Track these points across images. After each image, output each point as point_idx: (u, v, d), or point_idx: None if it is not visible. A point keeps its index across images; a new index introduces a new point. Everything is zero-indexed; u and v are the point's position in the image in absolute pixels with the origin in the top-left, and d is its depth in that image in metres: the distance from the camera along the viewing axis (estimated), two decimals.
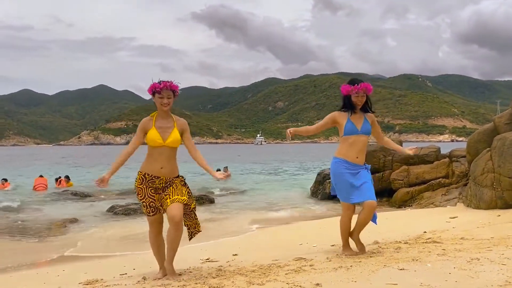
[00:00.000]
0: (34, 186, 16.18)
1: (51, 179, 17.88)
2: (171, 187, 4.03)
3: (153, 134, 3.98)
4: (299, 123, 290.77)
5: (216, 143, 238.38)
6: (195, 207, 4.18)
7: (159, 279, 4.02)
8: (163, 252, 4.17)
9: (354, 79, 4.67)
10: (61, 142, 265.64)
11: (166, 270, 4.06)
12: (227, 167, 21.49)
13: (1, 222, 9.36)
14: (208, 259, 4.98)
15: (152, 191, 4.00)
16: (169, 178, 4.03)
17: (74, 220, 9.40)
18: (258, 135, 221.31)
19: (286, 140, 4.61)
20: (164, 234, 4.16)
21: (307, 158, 47.57)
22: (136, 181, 4.06)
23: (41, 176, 17.10)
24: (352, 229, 4.80)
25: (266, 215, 10.20)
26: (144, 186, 4.00)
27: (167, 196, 3.98)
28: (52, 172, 22.77)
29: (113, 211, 10.51)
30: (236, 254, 5.19)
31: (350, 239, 4.82)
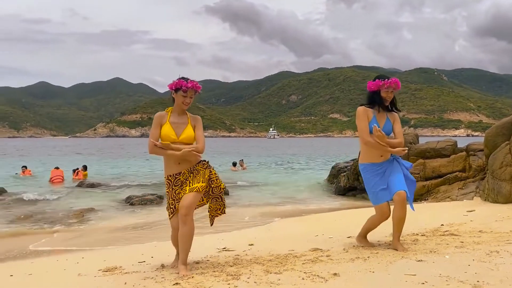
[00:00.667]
0: (51, 178, 16.24)
1: (68, 170, 18.06)
2: (192, 174, 3.99)
3: (167, 129, 3.94)
4: (312, 117, 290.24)
5: (229, 136, 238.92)
6: (223, 189, 4.12)
7: (177, 266, 4.04)
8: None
9: (382, 75, 4.54)
10: (77, 134, 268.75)
11: (179, 270, 3.85)
12: (242, 160, 21.57)
13: (20, 211, 9.53)
14: (224, 248, 5.02)
15: (176, 191, 3.96)
16: (190, 168, 3.98)
17: (91, 210, 9.54)
18: (271, 128, 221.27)
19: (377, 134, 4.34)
20: None
21: (321, 152, 47.44)
22: (165, 185, 4.06)
23: (57, 168, 17.12)
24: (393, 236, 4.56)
25: (281, 207, 10.21)
26: (170, 189, 3.99)
27: (187, 183, 3.95)
28: (72, 164, 22.97)
29: (130, 201, 10.62)
30: (252, 244, 5.21)
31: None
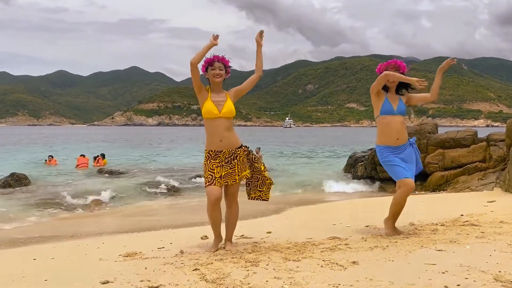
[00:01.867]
0: (77, 165, 16.89)
1: (89, 158, 18.43)
2: (236, 160, 4.24)
3: (209, 105, 4.16)
4: (329, 106, 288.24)
5: (245, 125, 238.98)
6: (261, 172, 4.44)
7: (213, 252, 4.20)
8: (219, 225, 4.35)
9: (391, 60, 4.72)
10: (95, 123, 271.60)
11: (227, 247, 4.30)
12: (259, 148, 21.51)
13: (41, 197, 9.71)
14: (243, 235, 5.04)
15: (213, 165, 4.18)
16: (232, 150, 4.22)
17: (111, 196, 9.67)
18: (287, 118, 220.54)
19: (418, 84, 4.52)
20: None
21: (338, 141, 47.20)
22: (204, 159, 4.30)
23: (83, 155, 17.76)
24: (388, 216, 4.71)
25: (297, 196, 10.22)
26: (208, 162, 4.20)
27: (233, 170, 4.21)
28: (93, 151, 23.32)
29: (149, 187, 10.75)
30: (270, 232, 5.23)
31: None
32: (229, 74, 4.35)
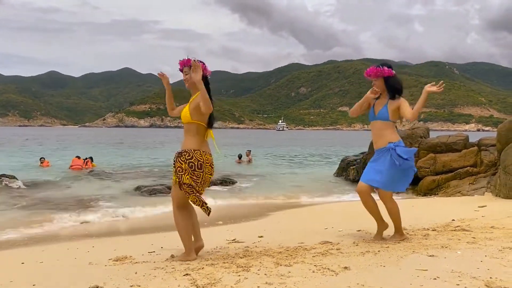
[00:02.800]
0: (71, 166, 16.85)
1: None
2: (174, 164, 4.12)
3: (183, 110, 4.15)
4: (321, 110, 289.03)
5: (238, 128, 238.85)
6: (186, 183, 3.92)
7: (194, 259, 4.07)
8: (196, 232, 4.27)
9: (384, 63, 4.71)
10: (86, 124, 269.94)
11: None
12: (250, 150, 21.45)
13: (30, 199, 9.61)
14: (234, 239, 5.02)
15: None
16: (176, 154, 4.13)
17: (101, 199, 9.59)
18: (280, 121, 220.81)
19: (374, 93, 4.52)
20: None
21: (330, 144, 47.29)
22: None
23: (77, 157, 17.75)
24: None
25: (289, 200, 10.20)
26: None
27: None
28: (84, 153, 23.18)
29: (139, 191, 10.67)
30: (261, 236, 5.21)
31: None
32: (209, 73, 4.14)
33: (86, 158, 18.05)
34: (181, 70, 4.20)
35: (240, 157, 20.47)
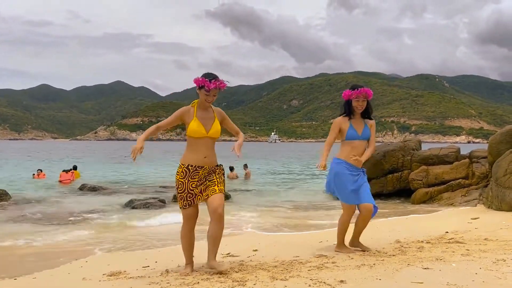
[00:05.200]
0: (60, 180, 16.72)
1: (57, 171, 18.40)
2: (214, 175, 4.07)
3: (196, 125, 4.01)
4: (313, 122, 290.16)
5: (230, 140, 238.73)
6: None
7: (187, 275, 4.00)
8: (193, 248, 4.19)
9: (355, 85, 4.76)
10: (78, 137, 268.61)
11: (213, 265, 3.99)
12: (246, 164, 21.28)
13: (21, 214, 9.50)
14: (229, 253, 5.00)
15: (193, 185, 4.01)
16: (212, 167, 4.08)
17: (93, 213, 9.51)
18: (272, 133, 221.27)
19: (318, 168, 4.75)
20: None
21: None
22: (177, 174, 4.06)
23: (64, 171, 17.68)
24: (352, 237, 4.91)
25: (283, 213, 10.17)
26: (186, 180, 4.01)
27: (213, 183, 4.02)
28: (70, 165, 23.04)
29: (132, 205, 10.59)
30: (256, 250, 5.19)
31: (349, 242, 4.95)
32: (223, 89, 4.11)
33: (71, 169, 18.07)
34: (206, 91, 3.95)
35: (231, 169, 18.36)
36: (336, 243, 4.98)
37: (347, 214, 4.81)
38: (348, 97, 4.71)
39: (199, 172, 4.02)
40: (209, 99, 4.03)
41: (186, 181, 4.00)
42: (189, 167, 4.02)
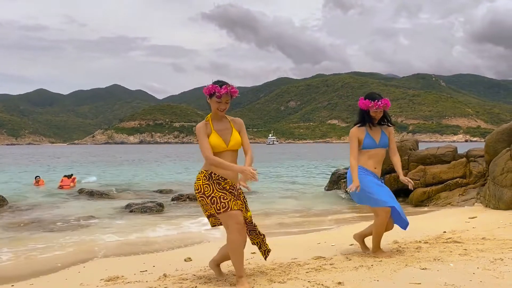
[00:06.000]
0: (61, 185, 16.75)
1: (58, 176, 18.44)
2: (241, 196, 3.77)
3: (216, 139, 3.70)
4: (311, 123, 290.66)
5: None
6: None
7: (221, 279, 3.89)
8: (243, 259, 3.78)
9: (373, 94, 4.62)
10: (75, 141, 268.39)
11: (241, 284, 3.63)
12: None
13: (19, 220, 9.48)
14: None
15: (220, 188, 3.67)
16: (234, 184, 3.72)
17: (91, 217, 9.49)
18: (270, 134, 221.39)
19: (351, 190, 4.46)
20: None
21: (321, 158, 47.43)
22: (198, 180, 3.73)
23: (66, 176, 17.74)
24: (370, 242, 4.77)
25: (280, 215, 10.17)
26: (211, 182, 3.67)
27: (243, 207, 3.72)
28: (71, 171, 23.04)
29: (130, 209, 10.58)
30: (254, 253, 5.17)
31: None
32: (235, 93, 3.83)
33: (71, 174, 18.14)
34: (218, 97, 3.71)
35: None
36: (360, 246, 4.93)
37: (383, 217, 4.52)
38: (368, 108, 4.53)
39: (221, 183, 3.68)
40: (222, 107, 3.76)
41: (211, 183, 3.66)
42: (212, 174, 3.69)
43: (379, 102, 4.49)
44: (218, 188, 3.66)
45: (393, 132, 4.77)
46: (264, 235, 3.99)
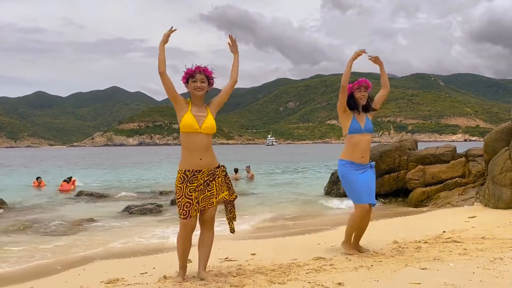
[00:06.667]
0: (60, 189, 16.74)
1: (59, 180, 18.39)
2: (215, 182, 3.94)
3: (189, 119, 3.85)
4: (310, 124, 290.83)
5: (228, 143, 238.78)
6: (235, 198, 4.16)
7: (179, 283, 3.95)
8: (187, 253, 4.07)
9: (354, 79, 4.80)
10: (75, 144, 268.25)
11: (202, 276, 3.97)
12: (249, 166, 21.29)
13: (18, 222, 9.47)
14: (226, 258, 4.98)
15: (191, 190, 3.84)
16: (211, 170, 3.92)
17: (90, 220, 9.47)
18: (269, 135, 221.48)
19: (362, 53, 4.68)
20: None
21: (320, 158, 47.43)
22: (176, 180, 3.92)
23: (66, 180, 17.67)
24: (353, 239, 4.85)
25: (281, 215, 10.17)
26: (184, 185, 3.85)
27: (212, 194, 3.92)
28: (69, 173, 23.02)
29: (129, 210, 10.57)
30: (254, 254, 5.19)
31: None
32: (212, 86, 4.06)
33: (71, 177, 18.11)
34: (192, 76, 3.93)
35: (236, 171, 19.45)
36: (341, 242, 4.95)
37: (359, 213, 4.69)
38: (351, 90, 4.72)
39: (197, 177, 3.85)
40: (197, 85, 3.91)
41: (184, 186, 3.84)
42: (187, 173, 3.85)
43: (359, 81, 4.71)
44: (189, 191, 3.85)
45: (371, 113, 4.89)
46: (233, 217, 4.18)
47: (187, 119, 3.85)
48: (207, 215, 3.95)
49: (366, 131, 4.72)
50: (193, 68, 3.95)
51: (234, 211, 4.19)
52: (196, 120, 3.85)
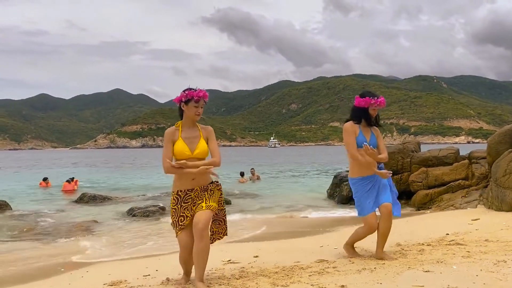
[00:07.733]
0: (64, 190, 16.86)
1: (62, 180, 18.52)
2: (206, 192, 3.89)
3: (181, 146, 3.81)
4: (312, 126, 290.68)
5: (230, 146, 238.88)
6: (225, 214, 4.11)
7: (181, 285, 3.96)
8: (191, 266, 3.97)
9: (370, 92, 4.67)
10: (78, 146, 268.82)
11: (198, 287, 3.78)
12: (253, 169, 21.24)
13: (22, 225, 9.49)
14: (229, 260, 4.98)
15: (185, 209, 3.85)
16: (203, 186, 3.88)
17: (93, 222, 9.50)
18: (272, 137, 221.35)
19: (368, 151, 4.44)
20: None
21: (323, 160, 47.38)
22: (171, 202, 3.94)
23: (67, 181, 17.81)
24: (376, 247, 4.71)
25: (283, 218, 10.17)
26: (179, 206, 3.86)
27: (201, 200, 3.85)
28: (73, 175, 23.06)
29: (132, 213, 10.58)
30: (257, 256, 5.18)
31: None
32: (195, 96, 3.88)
33: (73, 178, 18.23)
34: (196, 101, 3.80)
35: (242, 174, 19.58)
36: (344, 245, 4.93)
37: (367, 228, 4.61)
38: (368, 105, 4.57)
39: (191, 195, 3.85)
40: (199, 111, 3.84)
41: (179, 206, 3.84)
42: (179, 193, 3.85)
43: (380, 99, 4.60)
44: (182, 211, 3.84)
45: (379, 131, 4.80)
46: (225, 225, 4.10)
47: (178, 146, 3.82)
48: (196, 218, 3.75)
49: (370, 145, 4.58)
50: (198, 92, 3.81)
51: (224, 226, 4.09)
52: (186, 145, 3.82)
